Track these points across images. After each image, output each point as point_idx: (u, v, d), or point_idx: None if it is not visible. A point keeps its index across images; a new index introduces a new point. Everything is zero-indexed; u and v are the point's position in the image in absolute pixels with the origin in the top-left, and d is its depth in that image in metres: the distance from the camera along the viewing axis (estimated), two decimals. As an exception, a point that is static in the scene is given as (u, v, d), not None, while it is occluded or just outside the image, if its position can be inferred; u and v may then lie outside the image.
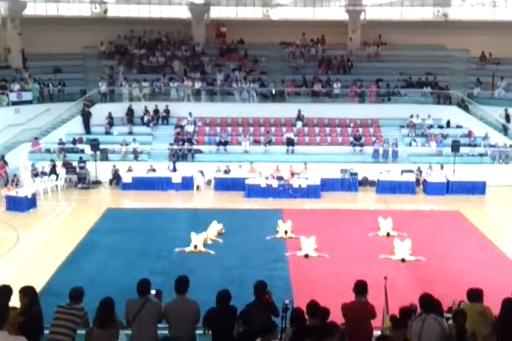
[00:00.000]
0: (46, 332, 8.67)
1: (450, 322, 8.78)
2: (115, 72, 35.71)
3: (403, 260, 19.02)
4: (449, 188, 28.01)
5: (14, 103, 32.63)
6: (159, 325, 9.07)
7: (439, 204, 26.51)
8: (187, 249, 19.85)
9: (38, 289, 16.00)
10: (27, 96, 33.14)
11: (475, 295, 8.83)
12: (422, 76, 35.78)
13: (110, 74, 35.53)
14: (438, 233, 22.05)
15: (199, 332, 9.19)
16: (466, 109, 34.06)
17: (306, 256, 19.44)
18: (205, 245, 20.19)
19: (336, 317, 9.25)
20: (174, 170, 29.50)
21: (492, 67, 36.06)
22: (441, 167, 28.96)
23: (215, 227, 21.52)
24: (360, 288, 9.30)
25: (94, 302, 8.73)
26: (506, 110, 33.18)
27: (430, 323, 8.22)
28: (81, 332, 8.67)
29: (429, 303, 8.56)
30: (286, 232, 21.15)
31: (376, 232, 21.67)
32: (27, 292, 8.56)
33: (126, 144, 31.01)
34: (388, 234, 21.31)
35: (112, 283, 16.52)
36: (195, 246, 19.82)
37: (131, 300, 8.88)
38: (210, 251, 19.92)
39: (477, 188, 27.97)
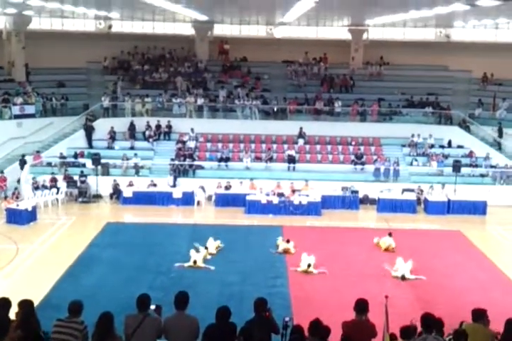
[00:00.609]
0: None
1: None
2: (118, 87, 35.82)
3: (403, 277, 18.96)
4: (450, 208, 27.99)
5: (17, 116, 32.76)
6: (158, 341, 9.02)
7: (440, 223, 26.46)
8: (186, 264, 19.80)
9: (36, 302, 15.93)
10: (30, 109, 33.25)
11: (479, 315, 8.77)
12: (424, 96, 35.95)
13: (113, 89, 35.65)
14: (439, 252, 22.01)
15: (198, 348, 9.13)
16: (467, 129, 34.15)
17: (306, 271, 19.38)
18: (204, 261, 20.14)
19: (336, 335, 9.20)
20: (174, 185, 29.49)
21: (494, 88, 36.24)
22: (443, 186, 28.97)
23: (212, 244, 21.47)
24: (361, 306, 9.24)
25: (93, 316, 8.66)
26: (500, 124, 33.45)
27: None
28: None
29: (431, 323, 8.51)
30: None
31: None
32: (24, 305, 8.52)
33: (127, 159, 31.05)
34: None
35: (111, 297, 16.46)
36: (195, 262, 19.77)
37: (131, 315, 8.81)
38: (210, 266, 19.86)
39: (478, 208, 27.94)
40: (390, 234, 22.50)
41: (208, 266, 19.84)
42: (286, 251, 21.38)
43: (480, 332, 8.53)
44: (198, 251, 20.60)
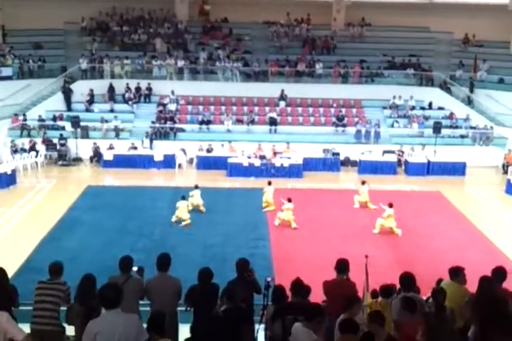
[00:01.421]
0: (25, 308, 8.65)
1: (430, 300, 8.87)
2: (96, 48, 35.24)
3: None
4: (429, 169, 28.22)
5: (-7, 79, 32.19)
6: (141, 302, 9.08)
7: (420, 184, 26.70)
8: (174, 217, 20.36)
9: (17, 266, 16.02)
10: (7, 71, 32.63)
11: (456, 272, 8.89)
12: (406, 57, 35.78)
13: (91, 50, 35.04)
14: (418, 213, 22.26)
15: (181, 308, 9.21)
16: (448, 90, 34.20)
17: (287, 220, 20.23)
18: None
19: (317, 294, 9.33)
20: (151, 148, 29.33)
21: (475, 50, 36.12)
22: (423, 148, 29.15)
23: (197, 198, 21.69)
24: (342, 266, 9.36)
25: (75, 279, 8.70)
26: (471, 79, 33.82)
27: None
28: (62, 308, 8.65)
29: (409, 282, 8.64)
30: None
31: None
32: None
33: (106, 121, 30.76)
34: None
35: (93, 260, 16.52)
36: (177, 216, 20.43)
37: (113, 277, 8.86)
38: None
39: (458, 169, 28.20)
40: (363, 183, 22.85)
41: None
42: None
43: (456, 290, 8.67)
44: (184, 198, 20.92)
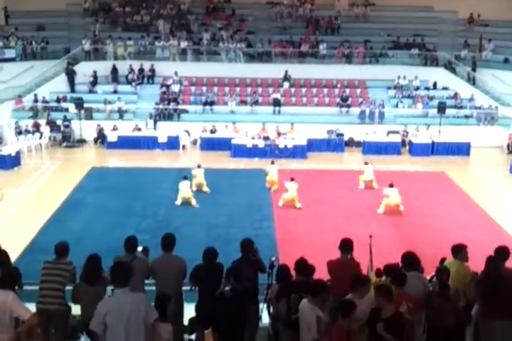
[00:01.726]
0: (31, 288, 8.71)
1: (434, 279, 8.91)
2: (99, 29, 35.07)
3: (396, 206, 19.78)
4: (434, 149, 28.14)
5: (-3, 60, 32.11)
6: (146, 281, 9.14)
7: (424, 165, 26.67)
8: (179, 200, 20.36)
9: (23, 246, 16.10)
10: (10, 53, 32.55)
11: (458, 249, 8.89)
12: (410, 37, 35.51)
13: (94, 31, 34.86)
14: (423, 193, 22.24)
15: (186, 288, 9.27)
16: (453, 70, 34.01)
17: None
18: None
19: (321, 274, 9.37)
20: (155, 129, 29.29)
21: (480, 29, 35.81)
22: (427, 128, 29.07)
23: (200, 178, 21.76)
24: (346, 245, 9.38)
25: (80, 259, 8.75)
26: (474, 58, 33.77)
27: (411, 279, 8.31)
28: (68, 287, 8.71)
29: (412, 261, 8.66)
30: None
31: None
32: None
33: (110, 103, 30.72)
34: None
35: (97, 240, 16.56)
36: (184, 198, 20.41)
37: (119, 257, 8.91)
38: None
39: (462, 149, 28.13)
40: (366, 163, 22.92)
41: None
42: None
43: (459, 268, 8.69)
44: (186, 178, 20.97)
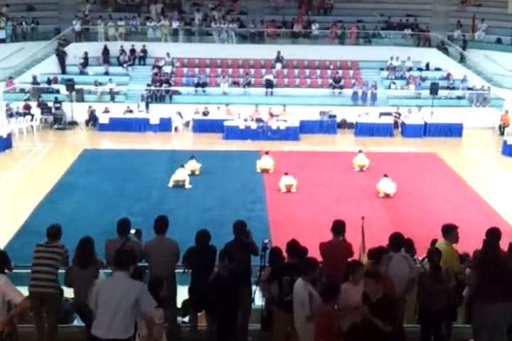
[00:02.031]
0: (23, 271, 8.70)
1: (425, 260, 8.94)
2: (89, 9, 34.69)
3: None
4: (426, 131, 28.15)
5: (-14, 41, 31.77)
6: (140, 264, 9.14)
7: (417, 146, 26.69)
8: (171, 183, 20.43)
9: (15, 229, 16.07)
10: (0, 34, 32.19)
11: (448, 229, 8.90)
12: (403, 17, 35.33)
13: (84, 11, 34.47)
14: (415, 174, 22.29)
15: (179, 271, 9.28)
16: (445, 51, 33.91)
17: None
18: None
19: (313, 255, 9.38)
20: (147, 111, 29.12)
21: (473, 9, 35.62)
22: (419, 109, 29.04)
23: (193, 165, 21.65)
24: (338, 227, 9.36)
25: (73, 242, 8.72)
26: (464, 36, 33.87)
27: (397, 260, 8.33)
28: (61, 271, 8.70)
29: (398, 242, 8.65)
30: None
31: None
32: None
33: (101, 84, 30.52)
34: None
35: (90, 223, 16.56)
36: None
37: (112, 240, 8.90)
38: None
39: (454, 131, 28.15)
40: (360, 151, 22.96)
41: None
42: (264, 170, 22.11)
43: (448, 249, 8.71)
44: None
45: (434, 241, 9.70)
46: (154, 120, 28.22)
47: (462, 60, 33.56)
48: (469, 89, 31.46)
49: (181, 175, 20.52)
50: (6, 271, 7.75)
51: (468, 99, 31.14)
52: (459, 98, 31.24)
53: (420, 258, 9.99)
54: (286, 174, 20.58)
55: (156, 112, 29.07)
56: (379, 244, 9.49)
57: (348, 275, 7.79)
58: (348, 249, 9.30)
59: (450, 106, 30.22)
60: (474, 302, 8.34)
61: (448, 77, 32.17)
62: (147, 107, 29.38)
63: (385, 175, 20.18)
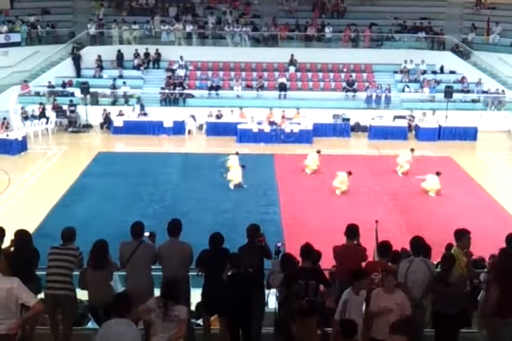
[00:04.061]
0: (41, 273, 8.74)
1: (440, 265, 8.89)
2: (104, 13, 34.89)
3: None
4: (440, 134, 28.03)
5: (2, 45, 31.92)
6: (153, 267, 9.16)
7: (431, 149, 26.54)
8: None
9: (30, 231, 16.09)
10: (15, 38, 32.42)
11: (460, 234, 8.84)
12: (417, 21, 35.23)
13: (98, 15, 34.68)
14: (429, 178, 22.16)
15: (193, 273, 9.29)
16: (460, 54, 33.76)
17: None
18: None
19: (328, 259, 9.38)
20: (144, 114, 29.13)
21: (487, 12, 35.45)
22: (433, 113, 28.92)
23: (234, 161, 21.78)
24: (352, 231, 9.35)
25: (87, 244, 8.75)
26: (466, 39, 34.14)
27: (417, 264, 8.30)
28: (75, 273, 8.74)
29: (419, 246, 8.62)
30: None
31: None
32: (18, 235, 8.59)
33: (115, 88, 30.67)
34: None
35: (104, 226, 16.66)
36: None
37: (125, 242, 8.92)
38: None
39: (469, 134, 28.01)
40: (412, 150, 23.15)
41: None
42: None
43: (460, 255, 8.66)
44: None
45: (449, 246, 9.64)
46: (168, 123, 28.30)
47: (476, 63, 33.38)
48: (484, 92, 31.28)
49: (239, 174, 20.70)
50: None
51: (483, 102, 30.96)
52: (473, 101, 31.06)
53: (435, 263, 9.94)
54: (349, 173, 20.56)
55: (170, 115, 29.13)
56: (394, 248, 9.47)
57: (354, 281, 7.75)
58: (362, 253, 9.28)
59: (465, 110, 30.04)
60: (494, 317, 8.04)
61: (462, 80, 32.01)
62: (142, 110, 29.35)
63: (438, 173, 20.43)
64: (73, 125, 28.91)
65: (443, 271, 8.26)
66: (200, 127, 29.08)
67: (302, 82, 32.35)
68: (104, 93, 30.64)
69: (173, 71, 32.14)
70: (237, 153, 21.91)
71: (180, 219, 9.30)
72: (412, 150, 22.97)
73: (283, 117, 28.24)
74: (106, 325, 6.52)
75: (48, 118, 28.35)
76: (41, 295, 8.33)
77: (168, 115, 29.17)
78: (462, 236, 8.81)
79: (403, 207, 19.39)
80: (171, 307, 7.06)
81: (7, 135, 25.10)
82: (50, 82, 30.86)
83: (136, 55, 32.79)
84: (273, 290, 9.02)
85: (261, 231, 9.35)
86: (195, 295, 9.26)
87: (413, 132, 28.81)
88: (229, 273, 8.31)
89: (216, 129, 28.35)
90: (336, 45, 34.31)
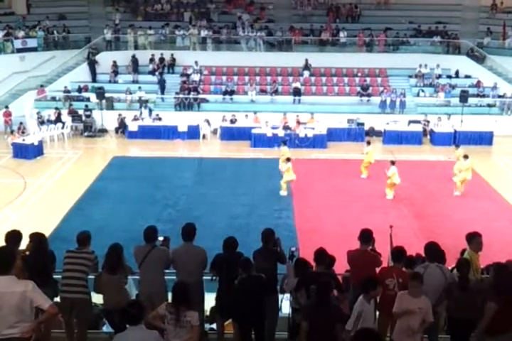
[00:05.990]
0: (58, 276, 8.80)
1: (454, 271, 8.84)
2: (119, 18, 35.12)
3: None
4: (456, 139, 27.83)
5: (19, 50, 32.23)
6: (167, 271, 9.19)
7: (446, 154, 26.41)
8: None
9: (46, 235, 16.24)
10: (32, 43, 32.69)
11: (471, 237, 8.80)
12: (432, 25, 35.14)
13: (114, 20, 34.91)
14: (444, 183, 22.04)
15: (207, 278, 9.31)
16: (475, 58, 33.61)
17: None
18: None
19: (341, 264, 9.37)
20: (159, 119, 29.19)
21: (503, 17, 35.30)
22: (448, 117, 28.80)
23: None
24: (366, 236, 9.32)
25: (102, 248, 8.82)
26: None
27: (432, 270, 8.27)
28: (90, 276, 8.80)
29: (434, 252, 8.58)
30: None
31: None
32: (34, 238, 8.64)
33: (130, 93, 30.85)
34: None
35: (119, 229, 16.74)
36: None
37: (139, 246, 8.97)
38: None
39: (485, 139, 27.87)
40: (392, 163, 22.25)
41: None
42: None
43: (474, 259, 8.62)
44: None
45: (464, 251, 9.60)
46: (182, 128, 28.40)
47: (492, 67, 33.23)
48: (500, 96, 31.10)
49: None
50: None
51: (499, 106, 30.79)
52: (489, 106, 30.90)
53: (450, 268, 9.89)
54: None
55: (184, 120, 29.22)
56: (408, 254, 9.44)
57: (367, 289, 7.71)
58: (376, 258, 9.26)
59: (480, 114, 29.88)
60: (487, 333, 7.78)
61: (478, 84, 31.86)
62: (150, 114, 29.47)
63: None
64: (89, 129, 29.11)
65: (461, 276, 8.20)
66: (215, 132, 29.15)
67: (316, 87, 32.36)
68: (120, 98, 30.81)
69: (187, 76, 32.26)
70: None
71: (194, 223, 9.33)
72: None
73: (297, 122, 28.25)
74: (123, 334, 6.50)
75: (63, 123, 28.56)
76: (58, 299, 8.38)
77: (182, 120, 29.28)
78: (473, 238, 8.78)
79: (417, 212, 19.32)
80: (182, 313, 6.99)
81: (23, 139, 25.33)
82: (66, 87, 31.12)
83: (152, 60, 32.95)
84: (287, 295, 9.01)
85: (276, 236, 9.37)
86: (210, 300, 9.29)
87: (428, 137, 28.70)
88: (239, 278, 8.31)
89: (230, 134, 28.41)
90: (350, 49, 34.32)
